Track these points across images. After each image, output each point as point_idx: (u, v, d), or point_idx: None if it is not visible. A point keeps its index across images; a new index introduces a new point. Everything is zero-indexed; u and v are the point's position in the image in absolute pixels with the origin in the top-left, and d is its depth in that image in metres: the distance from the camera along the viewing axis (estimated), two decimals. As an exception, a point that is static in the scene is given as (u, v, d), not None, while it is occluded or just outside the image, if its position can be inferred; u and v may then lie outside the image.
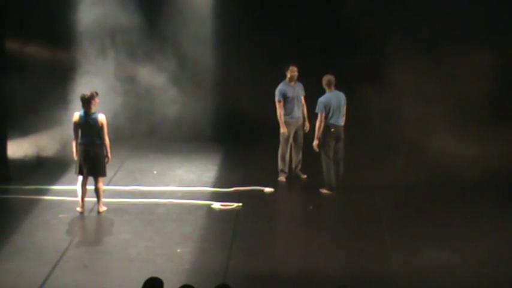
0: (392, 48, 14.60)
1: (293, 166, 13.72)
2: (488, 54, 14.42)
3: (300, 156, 13.69)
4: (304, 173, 13.75)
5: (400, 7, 14.91)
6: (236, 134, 15.75)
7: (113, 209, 12.12)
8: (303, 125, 13.57)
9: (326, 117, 12.75)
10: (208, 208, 12.33)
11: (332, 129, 12.83)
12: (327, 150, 12.84)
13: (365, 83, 14.47)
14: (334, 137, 12.86)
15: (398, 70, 14.31)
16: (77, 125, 11.74)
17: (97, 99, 11.75)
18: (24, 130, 14.78)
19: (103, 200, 12.02)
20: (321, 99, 12.82)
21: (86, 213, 11.92)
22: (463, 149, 13.79)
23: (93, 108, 11.71)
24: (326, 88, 12.91)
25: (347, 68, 14.73)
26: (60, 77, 14.93)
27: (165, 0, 15.55)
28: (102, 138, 11.72)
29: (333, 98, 12.83)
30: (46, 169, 13.96)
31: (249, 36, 15.39)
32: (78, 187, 11.90)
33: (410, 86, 14.45)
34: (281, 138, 13.52)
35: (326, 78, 12.91)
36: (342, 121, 12.90)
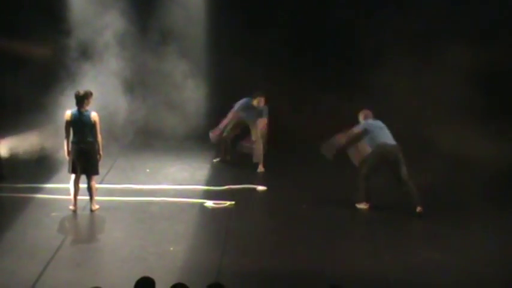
0: (380, 47, 14.69)
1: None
2: (470, 52, 14.51)
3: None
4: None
5: (392, 5, 15.02)
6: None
7: (106, 207, 12.12)
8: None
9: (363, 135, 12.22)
10: (201, 206, 12.34)
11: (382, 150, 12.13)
12: (366, 167, 12.18)
13: (356, 83, 14.54)
14: (386, 157, 12.10)
15: (388, 68, 14.39)
16: (69, 123, 11.73)
17: (91, 99, 11.77)
18: (17, 128, 14.76)
19: (96, 198, 12.02)
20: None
21: (78, 212, 11.91)
22: (455, 148, 13.83)
23: (86, 107, 11.71)
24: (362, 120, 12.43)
25: (339, 68, 14.79)
26: (52, 75, 14.91)
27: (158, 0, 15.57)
28: (94, 136, 11.72)
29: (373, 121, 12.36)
30: (39, 167, 13.94)
31: (244, 35, 15.41)
32: (71, 185, 11.89)
33: (401, 84, 14.50)
34: None
35: (363, 113, 12.42)
36: (392, 140, 12.18)
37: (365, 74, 14.66)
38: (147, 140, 15.82)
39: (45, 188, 12.99)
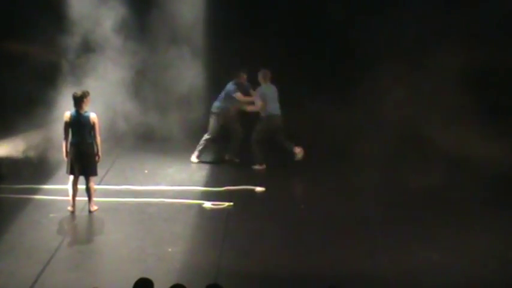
0: (379, 48, 14.70)
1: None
2: (470, 53, 14.53)
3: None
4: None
5: (387, 6, 15.05)
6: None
7: (104, 208, 12.11)
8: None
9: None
10: (200, 207, 12.34)
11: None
12: (259, 133, 14.09)
13: (354, 84, 14.53)
14: (274, 126, 13.99)
15: (387, 69, 14.40)
16: (68, 124, 11.73)
17: (88, 98, 11.78)
18: (15, 129, 14.74)
19: (94, 199, 12.02)
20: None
21: (77, 213, 11.91)
22: (453, 149, 13.83)
23: (85, 107, 11.72)
24: (262, 81, 14.07)
25: (338, 68, 14.80)
26: (51, 76, 14.89)
27: (155, 2, 15.54)
28: (93, 137, 11.72)
29: (269, 89, 14.04)
30: (37, 168, 13.92)
31: (243, 36, 15.40)
32: (69, 186, 11.88)
33: (401, 85, 14.51)
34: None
35: (262, 72, 14.09)
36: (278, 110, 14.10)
37: (363, 75, 14.66)
38: (146, 141, 15.80)
39: (43, 189, 12.97)
